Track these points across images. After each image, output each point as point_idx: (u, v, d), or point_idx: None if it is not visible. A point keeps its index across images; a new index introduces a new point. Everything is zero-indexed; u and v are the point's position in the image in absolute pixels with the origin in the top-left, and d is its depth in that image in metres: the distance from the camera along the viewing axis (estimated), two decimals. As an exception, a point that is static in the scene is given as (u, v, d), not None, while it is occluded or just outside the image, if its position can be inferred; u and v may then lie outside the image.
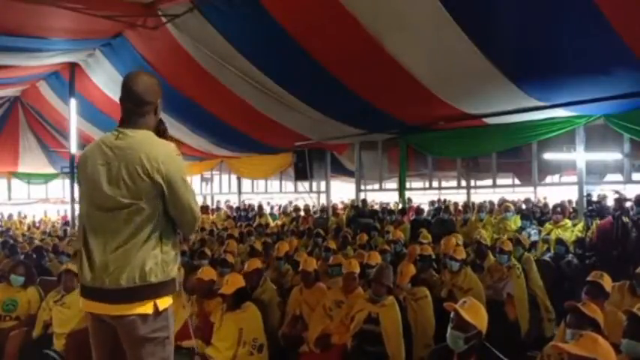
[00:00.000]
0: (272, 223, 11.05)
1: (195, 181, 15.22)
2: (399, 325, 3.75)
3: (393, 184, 10.32)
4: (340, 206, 14.83)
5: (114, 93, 9.48)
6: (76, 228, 11.24)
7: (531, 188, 13.20)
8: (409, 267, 4.50)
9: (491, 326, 2.84)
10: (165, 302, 2.15)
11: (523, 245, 5.63)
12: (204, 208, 13.63)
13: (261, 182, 15.42)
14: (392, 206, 10.86)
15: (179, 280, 4.44)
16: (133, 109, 2.17)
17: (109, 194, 2.09)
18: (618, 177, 7.94)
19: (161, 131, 2.26)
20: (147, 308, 2.09)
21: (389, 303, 3.82)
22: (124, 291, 2.06)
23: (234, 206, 14.64)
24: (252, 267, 4.84)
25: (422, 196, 14.92)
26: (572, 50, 4.87)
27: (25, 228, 14.68)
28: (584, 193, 7.39)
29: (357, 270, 4.22)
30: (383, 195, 14.12)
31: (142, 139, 2.13)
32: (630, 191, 7.26)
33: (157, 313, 2.12)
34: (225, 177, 15.31)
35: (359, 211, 9.64)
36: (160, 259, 2.11)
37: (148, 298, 2.09)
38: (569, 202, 10.64)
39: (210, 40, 6.59)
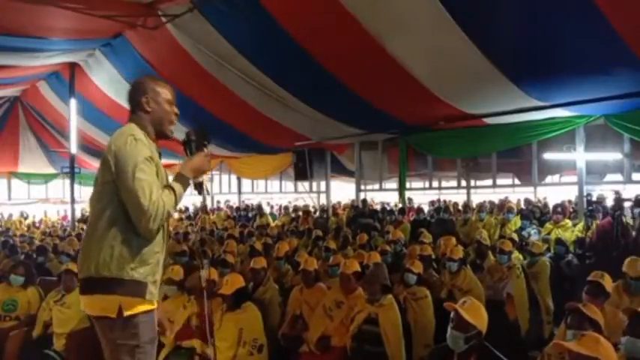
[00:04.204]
0: (272, 223, 11.04)
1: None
2: (399, 325, 3.75)
3: (393, 184, 10.32)
4: (341, 207, 14.83)
5: (114, 93, 9.48)
6: (76, 228, 11.28)
7: (531, 188, 13.21)
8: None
9: (491, 326, 2.84)
10: (132, 307, 2.04)
11: (532, 252, 5.54)
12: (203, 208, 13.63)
13: (261, 182, 15.42)
14: (392, 206, 10.86)
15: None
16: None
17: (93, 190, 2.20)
18: (618, 177, 7.93)
19: (191, 138, 2.29)
20: (109, 311, 2.03)
21: (387, 303, 3.82)
22: (84, 281, 2.09)
23: (234, 206, 14.64)
24: (259, 264, 4.85)
25: (422, 196, 14.94)
26: (572, 50, 4.87)
27: (25, 228, 14.68)
28: (584, 193, 7.39)
29: (354, 270, 4.18)
30: (383, 195, 14.12)
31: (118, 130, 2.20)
32: (630, 191, 7.26)
33: (122, 319, 2.03)
34: (225, 177, 15.32)
35: (359, 211, 9.64)
36: (116, 252, 2.03)
37: (100, 292, 2.04)
38: (569, 202, 10.64)
39: (210, 40, 6.59)
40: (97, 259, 2.04)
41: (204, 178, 2.30)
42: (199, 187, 2.29)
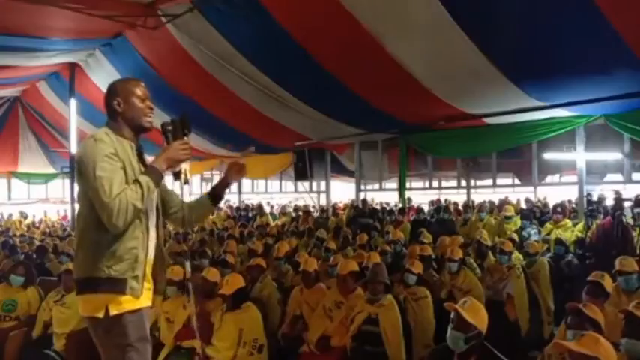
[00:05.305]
0: (272, 223, 11.04)
1: (195, 181, 15.22)
2: (399, 325, 3.75)
3: (393, 184, 10.32)
4: (341, 207, 14.81)
5: (114, 93, 9.47)
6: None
7: (531, 188, 13.18)
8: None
9: (491, 326, 2.84)
10: (117, 306, 2.07)
11: (529, 252, 5.53)
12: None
13: (261, 182, 15.42)
14: (392, 206, 10.84)
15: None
16: None
17: None
18: (618, 177, 7.94)
19: (166, 132, 2.26)
20: (96, 311, 2.07)
21: (388, 303, 3.81)
22: (74, 282, 2.20)
23: (234, 206, 14.63)
24: (254, 262, 4.92)
25: (422, 196, 14.92)
26: (572, 50, 4.87)
27: (25, 228, 14.67)
28: (584, 193, 7.39)
29: (350, 270, 4.16)
30: (383, 195, 14.12)
31: None
32: (630, 191, 7.25)
33: (109, 318, 2.07)
34: (225, 177, 15.26)
35: (359, 211, 9.63)
36: (90, 253, 2.09)
37: (85, 292, 2.11)
38: (569, 202, 10.64)
39: (210, 40, 6.60)
40: (79, 261, 2.15)
41: (184, 167, 2.26)
42: (177, 176, 2.27)
